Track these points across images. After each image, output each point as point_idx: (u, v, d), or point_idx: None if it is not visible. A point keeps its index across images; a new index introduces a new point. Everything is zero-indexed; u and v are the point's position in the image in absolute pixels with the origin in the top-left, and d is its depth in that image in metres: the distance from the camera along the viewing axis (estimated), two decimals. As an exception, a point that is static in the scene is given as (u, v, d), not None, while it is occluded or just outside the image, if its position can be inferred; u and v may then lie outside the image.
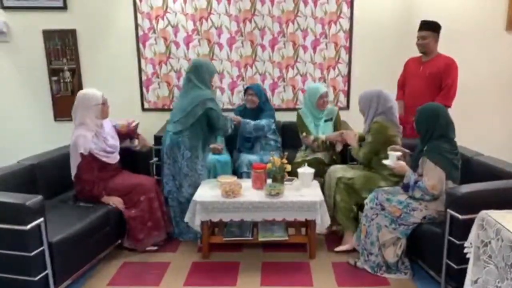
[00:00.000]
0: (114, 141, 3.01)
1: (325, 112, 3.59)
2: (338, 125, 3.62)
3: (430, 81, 3.49)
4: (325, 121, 3.58)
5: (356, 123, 3.91)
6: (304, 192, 2.88)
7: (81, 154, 2.77)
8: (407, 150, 2.80)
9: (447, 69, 3.47)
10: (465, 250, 2.00)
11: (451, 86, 3.45)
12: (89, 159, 2.80)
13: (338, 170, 3.07)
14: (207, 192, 2.88)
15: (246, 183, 2.96)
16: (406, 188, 2.58)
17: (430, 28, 3.51)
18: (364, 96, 3.05)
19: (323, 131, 3.53)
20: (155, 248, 2.99)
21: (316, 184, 3.05)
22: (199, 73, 3.03)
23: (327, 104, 3.58)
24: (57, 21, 4.10)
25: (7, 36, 4.13)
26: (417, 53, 3.67)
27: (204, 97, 2.96)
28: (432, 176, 2.45)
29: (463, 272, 2.03)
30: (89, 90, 2.96)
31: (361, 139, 3.16)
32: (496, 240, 1.77)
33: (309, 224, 2.86)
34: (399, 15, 4.12)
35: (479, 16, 4.13)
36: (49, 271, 2.26)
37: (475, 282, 1.90)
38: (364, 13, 4.13)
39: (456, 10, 4.08)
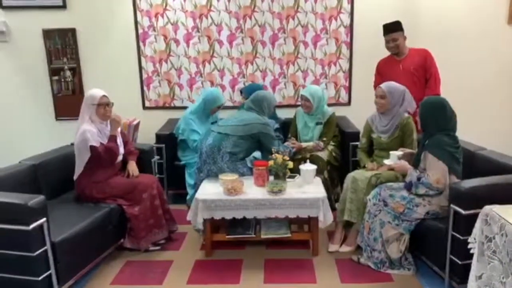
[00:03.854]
0: (117, 144, 2.99)
1: (317, 115, 3.60)
2: (327, 130, 3.57)
3: (416, 75, 3.48)
4: (317, 124, 3.60)
5: (357, 118, 3.90)
6: (306, 189, 2.87)
7: (91, 148, 2.77)
8: (411, 150, 2.79)
9: (428, 60, 3.48)
10: (469, 246, 1.99)
11: (435, 74, 3.48)
12: (99, 151, 2.80)
13: (362, 172, 2.96)
14: (209, 190, 2.88)
15: (248, 181, 2.96)
16: (409, 186, 2.56)
17: (398, 29, 3.50)
18: (394, 89, 3.01)
19: (312, 135, 3.59)
20: (158, 248, 2.99)
21: (318, 180, 3.04)
22: (262, 103, 3.26)
23: (308, 109, 3.57)
24: (56, 20, 4.10)
25: (6, 36, 4.12)
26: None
27: (263, 121, 3.18)
28: (436, 170, 2.44)
29: (467, 267, 2.02)
30: (93, 90, 2.94)
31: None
32: (500, 235, 1.76)
33: (312, 221, 2.85)
34: (400, 9, 4.09)
35: (480, 11, 4.09)
36: (52, 271, 2.26)
37: (480, 277, 1.89)
38: (365, 8, 4.11)
39: (457, 5, 4.05)
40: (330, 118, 3.60)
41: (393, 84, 3.07)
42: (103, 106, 2.88)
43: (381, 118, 3.08)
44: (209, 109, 3.73)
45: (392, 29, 3.50)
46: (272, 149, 3.04)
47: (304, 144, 3.51)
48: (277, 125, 3.90)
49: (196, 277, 2.66)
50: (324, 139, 3.54)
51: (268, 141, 3.15)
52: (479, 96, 4.20)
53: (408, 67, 3.50)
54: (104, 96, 2.89)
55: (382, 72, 3.67)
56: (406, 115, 3.01)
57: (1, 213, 2.16)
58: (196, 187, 3.14)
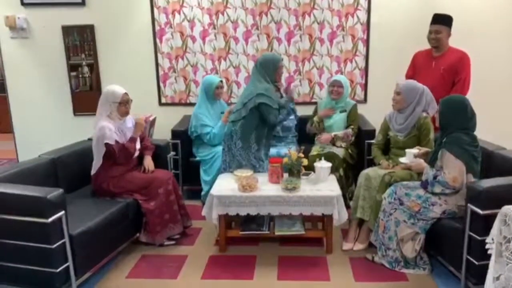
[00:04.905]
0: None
1: (341, 104, 3.62)
2: (352, 119, 3.62)
3: (445, 76, 3.40)
4: (340, 112, 3.62)
5: (373, 116, 3.87)
6: (321, 186, 2.87)
7: (106, 145, 2.80)
8: (427, 149, 2.75)
9: (461, 63, 3.37)
10: (487, 246, 1.95)
11: (465, 80, 3.37)
12: (117, 146, 2.85)
13: (375, 170, 2.96)
14: (224, 186, 2.89)
15: (263, 177, 2.96)
16: (425, 185, 2.53)
17: (445, 22, 3.39)
18: (410, 87, 2.98)
19: (335, 121, 3.59)
20: (173, 242, 3.02)
21: (333, 178, 3.03)
22: (262, 67, 3.11)
23: (339, 95, 3.59)
24: (75, 17, 4.16)
25: (27, 32, 4.21)
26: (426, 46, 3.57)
27: (257, 91, 3.03)
28: (453, 168, 2.40)
29: (484, 268, 1.99)
30: (112, 87, 2.96)
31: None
32: (519, 236, 1.73)
33: (326, 219, 2.84)
34: (418, 6, 4.04)
35: (500, 7, 4.01)
36: (70, 263, 2.30)
37: (497, 278, 1.86)
38: (382, 5, 4.06)
39: (477, 2, 3.96)
40: (354, 107, 3.65)
41: (412, 82, 3.04)
42: (124, 104, 2.92)
43: (398, 116, 3.05)
44: (211, 95, 3.77)
45: (439, 20, 3.40)
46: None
47: (333, 134, 3.53)
48: (291, 105, 3.91)
49: (210, 272, 2.69)
50: (352, 126, 3.57)
51: (266, 112, 3.03)
52: (499, 96, 4.11)
53: (439, 66, 3.42)
54: (125, 93, 2.93)
55: (416, 64, 3.63)
56: (424, 114, 2.97)
57: (21, 205, 2.21)
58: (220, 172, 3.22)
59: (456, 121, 2.46)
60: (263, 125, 3.13)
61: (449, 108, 2.50)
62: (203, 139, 3.74)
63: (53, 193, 2.22)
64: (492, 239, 1.91)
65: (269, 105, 3.02)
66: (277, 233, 2.88)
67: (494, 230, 1.90)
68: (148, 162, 3.07)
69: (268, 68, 3.10)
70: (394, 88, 3.05)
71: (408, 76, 3.67)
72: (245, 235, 2.90)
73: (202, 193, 3.62)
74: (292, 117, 3.97)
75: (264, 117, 3.07)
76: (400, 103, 2.99)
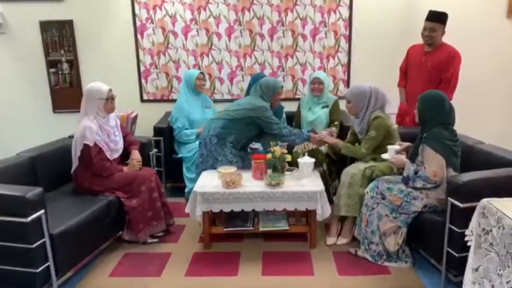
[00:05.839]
0: (117, 139, 2.99)
1: (323, 99, 3.66)
2: (335, 114, 3.65)
3: (432, 73, 3.40)
4: (322, 107, 3.66)
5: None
6: (304, 182, 2.88)
7: (85, 145, 2.76)
8: (409, 144, 2.79)
9: (449, 60, 3.36)
10: (466, 238, 2.00)
11: (451, 78, 3.35)
12: (95, 149, 2.80)
13: (357, 165, 2.98)
14: (208, 183, 2.88)
15: (247, 174, 2.96)
16: (406, 180, 2.57)
17: (441, 20, 3.36)
18: (358, 93, 3.00)
19: (317, 116, 3.61)
20: (156, 240, 3.00)
21: (316, 174, 3.04)
22: (262, 88, 3.23)
23: (320, 92, 3.63)
24: (54, 12, 4.07)
25: (3, 27, 4.09)
26: (418, 40, 3.60)
27: (255, 105, 3.12)
28: (433, 163, 2.44)
29: (464, 260, 2.03)
30: (96, 84, 2.92)
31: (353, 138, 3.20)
32: (497, 228, 1.77)
33: (309, 214, 2.86)
34: (400, 2, 4.09)
35: (479, 3, 4.09)
36: (50, 262, 2.26)
37: (476, 269, 1.90)
38: (364, 1, 4.09)
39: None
40: (336, 102, 3.68)
41: (357, 87, 3.06)
42: (110, 100, 2.90)
43: (356, 120, 3.11)
44: (193, 87, 3.79)
45: (434, 18, 3.35)
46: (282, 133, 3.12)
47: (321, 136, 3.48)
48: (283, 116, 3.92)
49: (194, 269, 2.67)
50: (336, 123, 3.60)
51: (265, 125, 3.12)
52: (477, 90, 4.18)
53: (427, 62, 3.42)
54: (110, 89, 2.91)
55: (409, 57, 3.64)
56: (376, 113, 2.96)
57: (-1, 205, 2.16)
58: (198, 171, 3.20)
59: (435, 116, 2.50)
60: (248, 129, 3.17)
61: (426, 103, 2.54)
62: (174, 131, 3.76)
63: (32, 192, 2.18)
64: (471, 231, 1.96)
65: (265, 118, 3.10)
66: (261, 229, 2.88)
67: (473, 223, 1.95)
68: (137, 156, 3.05)
69: (268, 91, 3.22)
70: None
71: (402, 70, 3.71)
72: (229, 231, 2.89)
73: (186, 190, 3.60)
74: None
75: (265, 129, 3.15)
76: (353, 110, 3.06)
